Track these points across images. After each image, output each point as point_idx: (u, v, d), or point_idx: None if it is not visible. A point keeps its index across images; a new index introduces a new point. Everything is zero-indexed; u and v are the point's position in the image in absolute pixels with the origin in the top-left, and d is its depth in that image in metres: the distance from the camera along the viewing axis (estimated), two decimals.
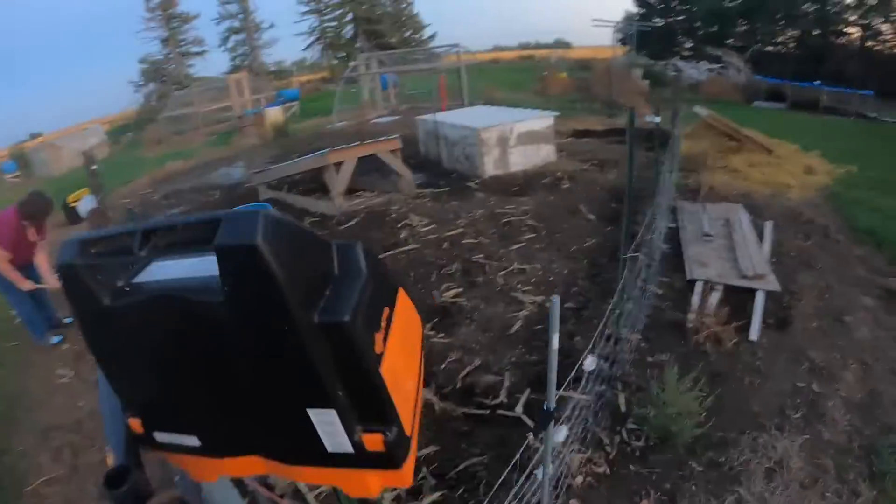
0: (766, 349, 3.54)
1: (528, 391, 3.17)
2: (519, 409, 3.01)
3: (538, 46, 36.28)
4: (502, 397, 3.14)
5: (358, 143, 7.44)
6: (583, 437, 2.67)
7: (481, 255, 5.33)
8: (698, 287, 4.03)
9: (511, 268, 4.90)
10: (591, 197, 6.75)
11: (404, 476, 1.07)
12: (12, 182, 18.45)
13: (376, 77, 18.27)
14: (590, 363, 2.72)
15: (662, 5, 26.98)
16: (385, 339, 1.05)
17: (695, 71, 20.34)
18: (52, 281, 4.37)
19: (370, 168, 7.87)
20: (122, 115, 29.38)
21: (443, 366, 3.53)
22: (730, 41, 23.21)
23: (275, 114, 16.32)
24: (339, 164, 7.07)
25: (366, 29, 44.20)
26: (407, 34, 46.01)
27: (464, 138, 8.41)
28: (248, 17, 38.52)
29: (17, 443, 3.54)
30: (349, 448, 1.01)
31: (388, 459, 1.03)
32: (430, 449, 2.84)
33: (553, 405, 1.83)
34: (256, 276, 0.85)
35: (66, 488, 3.08)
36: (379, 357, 1.01)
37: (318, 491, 2.57)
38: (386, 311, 1.11)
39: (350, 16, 44.29)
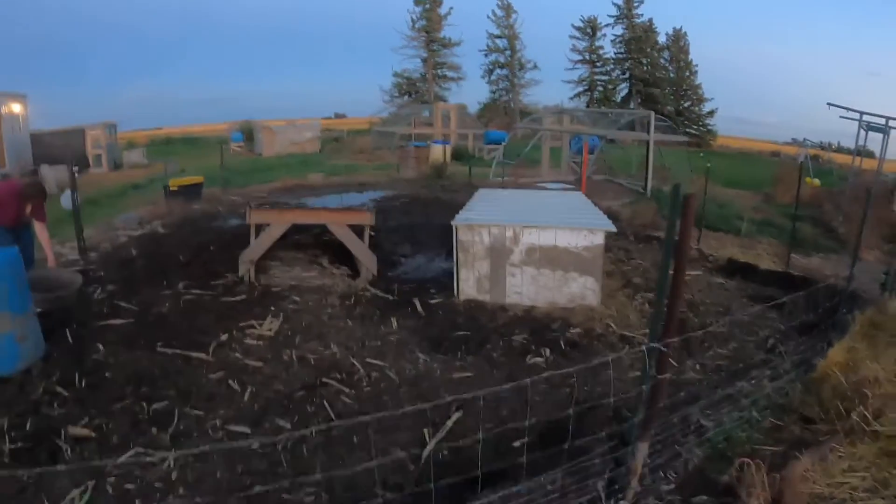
0: None
1: None
2: None
3: (839, 150, 28.04)
4: None
5: (295, 205, 5.78)
6: None
7: (195, 410, 3.19)
8: None
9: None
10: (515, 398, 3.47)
11: None
12: (234, 150, 22.51)
13: (565, 136, 16.13)
14: None
15: None
16: None
17: None
18: (50, 256, 5.05)
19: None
20: (370, 118, 32.88)
21: None
22: None
23: (437, 152, 15.57)
24: (261, 226, 5.55)
25: (640, 90, 41.41)
26: (686, 104, 41.53)
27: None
28: (515, 54, 39.59)
29: None
30: None
31: None
32: None
33: None
34: None
35: None
36: None
37: None
38: None
39: (626, 73, 41.98)
